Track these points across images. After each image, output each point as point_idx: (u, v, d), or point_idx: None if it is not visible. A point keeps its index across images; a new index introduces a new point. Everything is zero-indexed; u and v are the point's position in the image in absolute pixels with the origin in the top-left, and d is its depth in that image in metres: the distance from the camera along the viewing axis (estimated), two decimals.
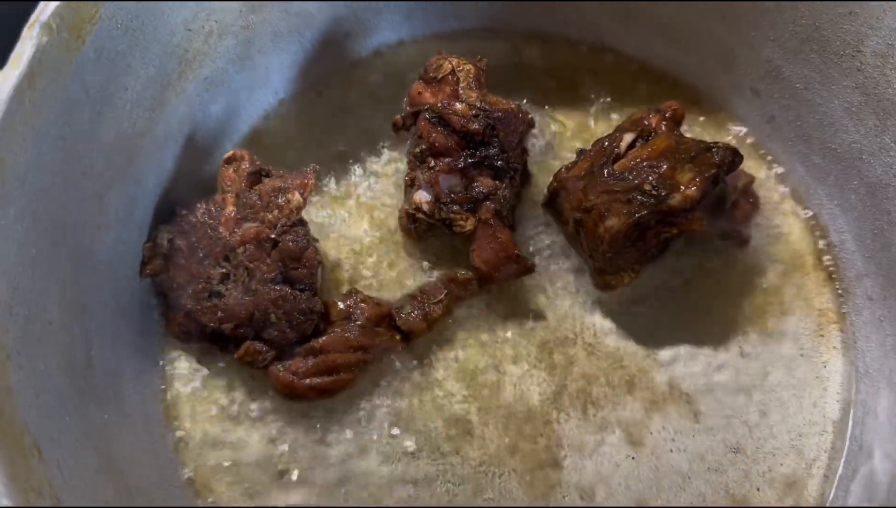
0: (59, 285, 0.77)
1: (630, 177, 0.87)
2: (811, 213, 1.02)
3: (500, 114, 0.92)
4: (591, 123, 1.07)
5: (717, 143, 0.87)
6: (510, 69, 1.06)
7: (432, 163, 0.93)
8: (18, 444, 0.62)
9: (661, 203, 0.85)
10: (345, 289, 0.96)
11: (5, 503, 0.57)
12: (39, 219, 0.74)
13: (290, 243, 0.87)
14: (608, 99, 1.07)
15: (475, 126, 0.90)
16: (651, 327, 0.97)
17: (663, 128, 0.90)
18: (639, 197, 0.86)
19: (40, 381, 0.70)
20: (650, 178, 0.86)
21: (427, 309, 0.94)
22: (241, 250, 0.88)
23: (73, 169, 0.78)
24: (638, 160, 0.88)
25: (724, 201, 0.92)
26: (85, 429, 0.75)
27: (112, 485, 0.74)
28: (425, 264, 0.99)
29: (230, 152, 0.91)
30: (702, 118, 1.07)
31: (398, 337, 0.94)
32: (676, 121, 0.91)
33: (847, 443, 0.94)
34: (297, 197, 0.88)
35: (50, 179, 0.75)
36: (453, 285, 0.96)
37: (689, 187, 0.84)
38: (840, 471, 0.92)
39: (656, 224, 0.87)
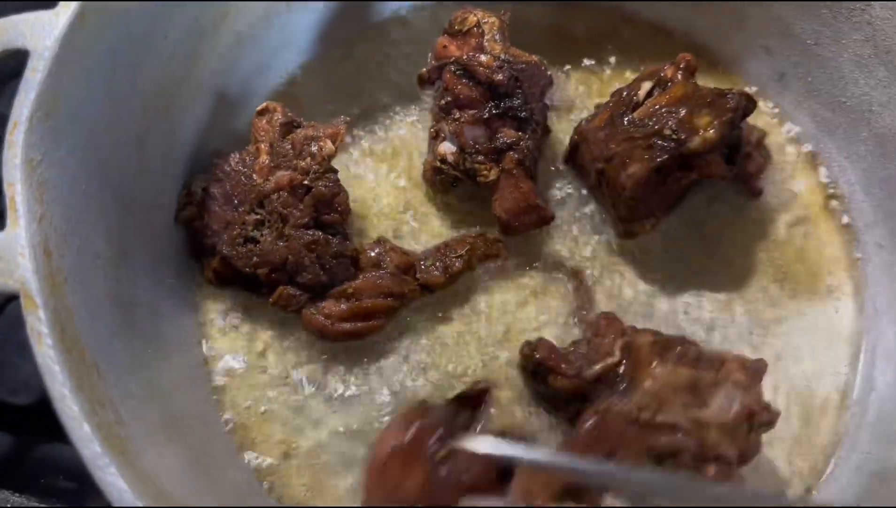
0: (106, 224, 0.80)
1: (650, 123, 0.91)
2: (821, 165, 1.06)
3: (523, 65, 0.95)
4: (607, 82, 1.10)
5: (731, 89, 0.91)
6: (526, 31, 1.08)
7: (457, 114, 0.96)
8: (81, 359, 0.66)
9: (681, 147, 0.88)
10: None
11: (74, 406, 0.60)
12: (88, 157, 0.77)
13: (323, 188, 0.90)
14: (623, 59, 1.11)
15: (499, 77, 0.93)
16: (669, 275, 1.00)
17: (679, 77, 0.93)
18: (659, 142, 0.89)
19: (93, 307, 0.73)
20: (670, 123, 0.89)
21: (448, 262, 0.96)
22: (274, 196, 0.91)
23: (117, 112, 0.82)
24: (657, 107, 0.91)
25: (739, 148, 0.95)
26: (133, 359, 0.78)
27: (158, 412, 0.77)
28: (454, 220, 1.02)
29: (263, 104, 0.95)
30: (714, 77, 1.10)
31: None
32: (691, 71, 0.95)
33: (858, 382, 0.97)
34: (328, 145, 0.91)
35: (97, 119, 0.78)
36: (480, 241, 0.98)
37: (707, 130, 0.87)
38: (851, 410, 0.95)
39: (677, 169, 0.91)
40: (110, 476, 0.59)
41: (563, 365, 0.85)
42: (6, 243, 0.65)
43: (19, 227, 0.65)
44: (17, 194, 0.66)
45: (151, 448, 0.69)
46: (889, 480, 0.85)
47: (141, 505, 0.58)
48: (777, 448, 0.93)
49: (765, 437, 0.90)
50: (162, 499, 0.62)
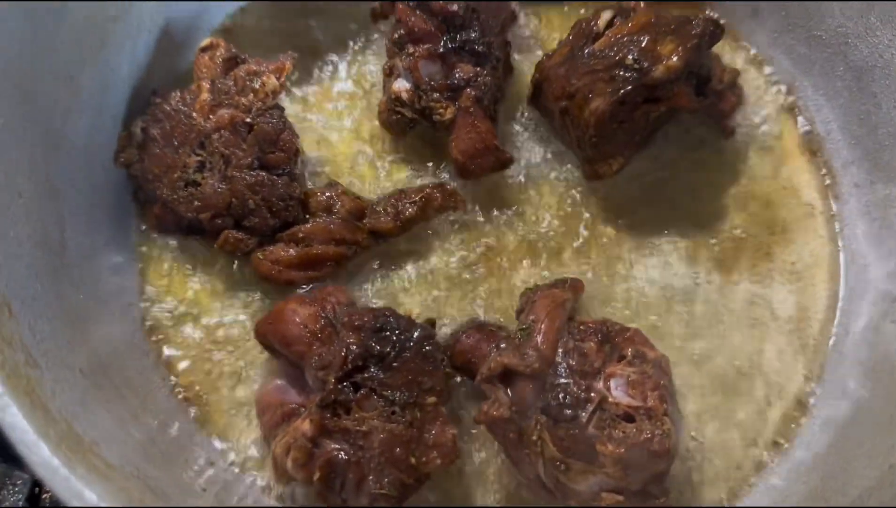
0: (30, 161, 0.76)
1: (611, 54, 0.86)
2: (797, 104, 1.01)
3: None
4: (578, 16, 1.04)
5: (697, 16, 0.86)
6: None
7: (411, 49, 0.91)
8: None
9: (644, 76, 0.83)
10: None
11: None
12: (7, 89, 0.73)
13: (266, 126, 0.86)
14: None
15: (455, 7, 0.89)
16: (636, 220, 0.96)
17: (642, 5, 0.89)
18: (621, 73, 0.84)
19: (10, 247, 0.69)
20: (631, 52, 0.84)
21: (400, 208, 0.91)
22: (216, 136, 0.86)
23: (42, 44, 0.77)
24: (618, 37, 0.86)
25: (709, 80, 0.90)
26: (59, 303, 0.74)
27: (85, 356, 0.74)
28: (414, 166, 0.97)
29: (206, 41, 0.90)
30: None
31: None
32: None
33: (835, 328, 0.93)
34: (272, 80, 0.87)
35: (17, 48, 0.74)
36: (437, 191, 0.92)
37: (670, 58, 0.82)
38: (828, 354, 0.92)
39: (643, 102, 0.86)
40: (10, 416, 0.55)
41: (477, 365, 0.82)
42: None
43: None
44: None
45: (69, 392, 0.65)
46: (859, 421, 0.81)
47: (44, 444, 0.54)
48: (752, 398, 0.90)
49: (741, 385, 0.88)
50: (71, 440, 0.58)
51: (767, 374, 0.90)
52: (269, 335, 0.83)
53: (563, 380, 0.75)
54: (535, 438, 0.74)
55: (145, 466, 0.67)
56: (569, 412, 0.73)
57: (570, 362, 0.76)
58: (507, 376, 0.77)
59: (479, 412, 0.77)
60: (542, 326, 0.78)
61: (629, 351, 0.77)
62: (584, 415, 0.73)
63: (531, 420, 0.75)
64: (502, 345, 0.79)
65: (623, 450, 0.71)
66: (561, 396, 0.74)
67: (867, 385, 0.85)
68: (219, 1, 1.00)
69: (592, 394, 0.74)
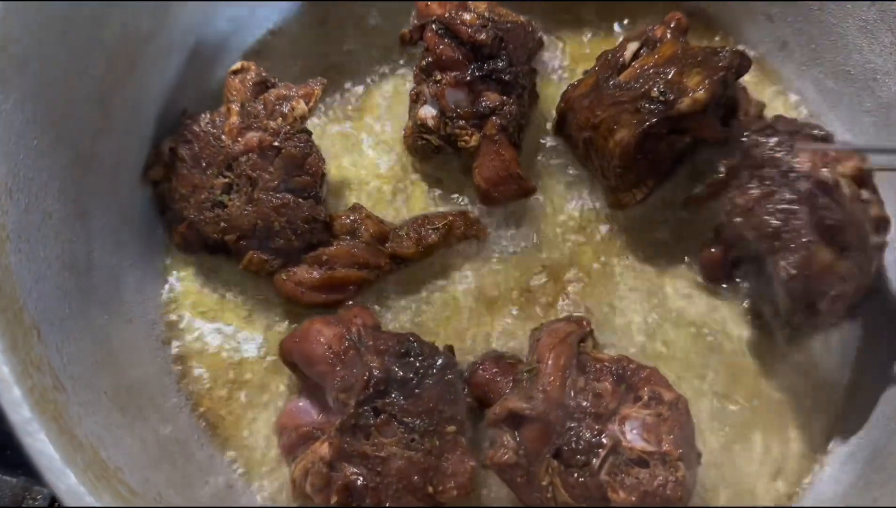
0: (61, 183, 0.77)
1: (636, 85, 0.86)
2: None
3: (509, 25, 0.91)
4: (602, 47, 1.04)
5: (724, 47, 0.86)
6: None
7: (438, 76, 0.92)
8: (18, 320, 0.62)
9: (669, 109, 0.83)
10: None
11: (4, 368, 0.56)
12: (40, 112, 0.73)
13: (293, 149, 0.86)
14: (620, 24, 1.05)
15: (483, 36, 0.89)
16: (660, 251, 0.96)
17: (668, 37, 0.89)
18: (647, 105, 0.84)
19: (40, 268, 0.69)
20: (657, 84, 0.84)
21: (423, 233, 0.92)
22: (244, 158, 0.87)
23: (75, 66, 0.78)
24: (644, 68, 0.87)
25: (735, 111, 0.90)
26: (86, 324, 0.75)
27: (110, 378, 0.74)
28: (439, 192, 0.97)
29: (238, 64, 0.91)
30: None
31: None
32: (681, 30, 0.90)
33: (855, 366, 0.92)
34: (301, 105, 0.87)
35: (51, 72, 0.74)
36: (460, 219, 0.93)
37: (697, 90, 0.82)
38: (850, 391, 0.91)
39: (668, 133, 0.86)
40: (39, 443, 0.56)
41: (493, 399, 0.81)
42: None
43: None
44: None
45: (94, 416, 0.66)
46: (881, 461, 0.81)
47: (70, 472, 0.55)
48: (773, 433, 0.89)
49: (761, 419, 0.88)
50: (97, 466, 0.59)
51: (788, 410, 0.90)
52: (293, 354, 0.83)
53: (575, 423, 0.74)
54: (545, 483, 0.73)
55: (167, 491, 0.68)
56: (581, 457, 0.72)
57: (584, 402, 0.75)
58: (514, 419, 0.76)
59: (486, 457, 0.77)
60: (548, 367, 0.77)
61: (645, 392, 0.77)
62: (596, 461, 0.72)
63: (542, 464, 0.74)
64: (518, 378, 0.79)
65: (635, 498, 0.70)
66: (573, 441, 0.73)
67: (889, 426, 0.84)
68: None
69: (605, 439, 0.73)
